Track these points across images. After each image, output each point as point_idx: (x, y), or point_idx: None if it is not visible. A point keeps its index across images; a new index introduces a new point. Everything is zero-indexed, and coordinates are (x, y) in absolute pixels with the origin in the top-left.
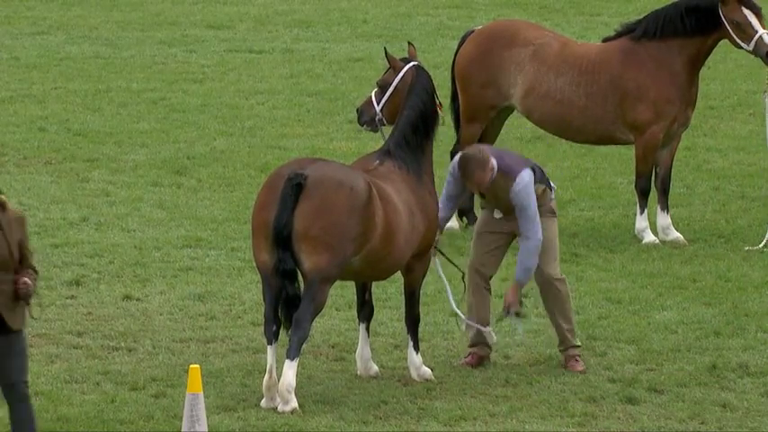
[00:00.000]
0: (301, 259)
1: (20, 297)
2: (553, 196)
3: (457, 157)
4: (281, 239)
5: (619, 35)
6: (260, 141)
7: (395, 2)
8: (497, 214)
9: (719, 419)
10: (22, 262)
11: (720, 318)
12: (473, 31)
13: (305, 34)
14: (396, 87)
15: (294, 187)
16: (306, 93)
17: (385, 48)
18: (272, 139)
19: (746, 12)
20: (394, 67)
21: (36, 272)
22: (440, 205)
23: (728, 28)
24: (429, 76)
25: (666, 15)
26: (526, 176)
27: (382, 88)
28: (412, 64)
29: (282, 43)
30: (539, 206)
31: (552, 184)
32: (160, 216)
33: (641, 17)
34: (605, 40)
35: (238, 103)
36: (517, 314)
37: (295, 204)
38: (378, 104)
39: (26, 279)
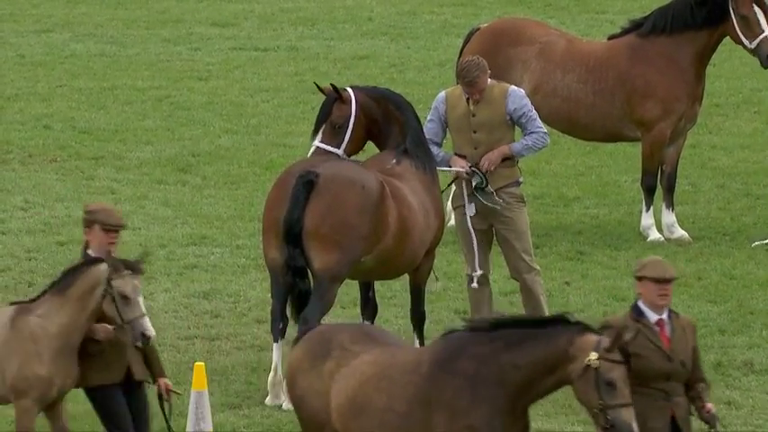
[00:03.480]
0: (311, 257)
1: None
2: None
3: (443, 93)
4: (291, 236)
5: (625, 32)
6: (265, 139)
7: (400, 0)
8: (470, 211)
9: (724, 417)
10: (694, 372)
11: (725, 315)
12: (478, 29)
13: (310, 32)
14: (356, 116)
15: (305, 185)
16: (310, 90)
17: (315, 83)
18: (276, 136)
19: (757, 9)
20: (343, 98)
21: (707, 384)
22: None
23: (735, 22)
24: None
25: (675, 9)
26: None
27: (341, 126)
28: (349, 88)
29: (287, 41)
30: (509, 191)
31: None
32: (165, 214)
33: (647, 14)
34: (611, 37)
35: (243, 100)
36: (479, 175)
37: (306, 202)
38: (338, 146)
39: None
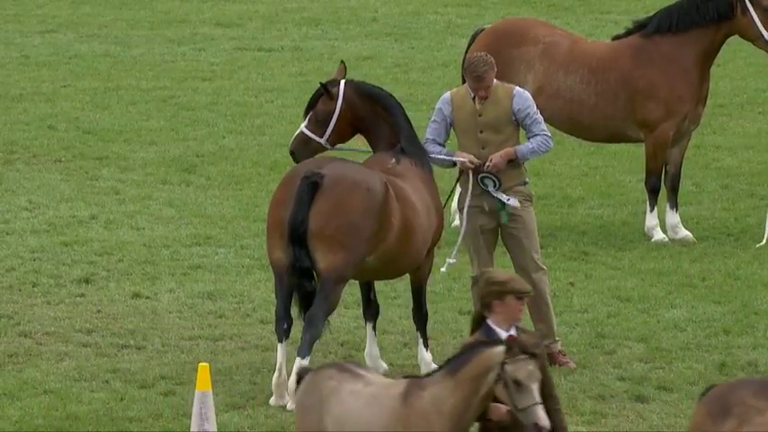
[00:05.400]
0: (316, 258)
1: None
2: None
3: (447, 94)
4: (296, 237)
5: (629, 33)
6: (269, 139)
7: (404, 0)
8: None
9: None
10: None
11: (729, 316)
12: (483, 30)
13: (314, 32)
14: (340, 110)
15: (310, 186)
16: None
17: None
18: (280, 137)
19: None
20: (330, 94)
21: None
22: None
23: (755, 14)
24: (364, 83)
25: (681, 8)
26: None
27: (324, 120)
28: (341, 82)
29: (292, 41)
30: (517, 190)
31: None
32: (169, 214)
33: (651, 14)
34: (615, 38)
35: (247, 101)
36: (492, 178)
37: (311, 203)
38: (322, 136)
39: None
